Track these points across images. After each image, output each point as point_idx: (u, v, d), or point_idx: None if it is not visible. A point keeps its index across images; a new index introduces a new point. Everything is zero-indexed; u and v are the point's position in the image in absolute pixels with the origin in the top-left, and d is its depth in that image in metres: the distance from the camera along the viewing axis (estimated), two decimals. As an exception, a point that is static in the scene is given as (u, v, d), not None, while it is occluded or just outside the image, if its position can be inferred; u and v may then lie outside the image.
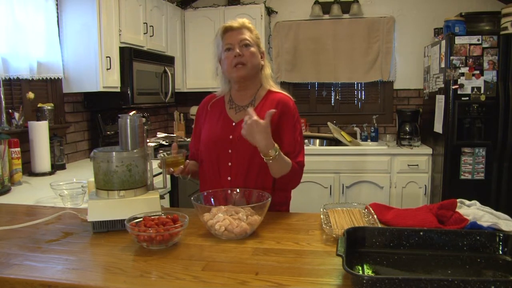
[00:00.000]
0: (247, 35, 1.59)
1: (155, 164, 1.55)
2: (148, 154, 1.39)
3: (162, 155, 1.50)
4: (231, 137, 1.59)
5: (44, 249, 1.18)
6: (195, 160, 1.74)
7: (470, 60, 3.15)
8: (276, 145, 1.42)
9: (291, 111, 1.62)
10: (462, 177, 3.26)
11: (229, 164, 1.59)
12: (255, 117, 1.37)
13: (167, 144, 3.46)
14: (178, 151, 1.54)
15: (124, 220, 1.21)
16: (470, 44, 3.14)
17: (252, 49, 1.59)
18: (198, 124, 1.76)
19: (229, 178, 1.59)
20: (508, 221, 1.28)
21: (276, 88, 1.68)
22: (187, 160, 1.60)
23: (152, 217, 1.25)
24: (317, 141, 4.14)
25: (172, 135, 3.93)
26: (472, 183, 3.25)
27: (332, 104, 4.35)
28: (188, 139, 4.03)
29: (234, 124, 1.62)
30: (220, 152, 1.60)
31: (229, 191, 1.46)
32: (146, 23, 3.26)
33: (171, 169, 1.51)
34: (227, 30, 1.60)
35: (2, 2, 2.28)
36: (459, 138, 3.23)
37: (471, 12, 3.48)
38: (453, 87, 3.19)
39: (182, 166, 1.52)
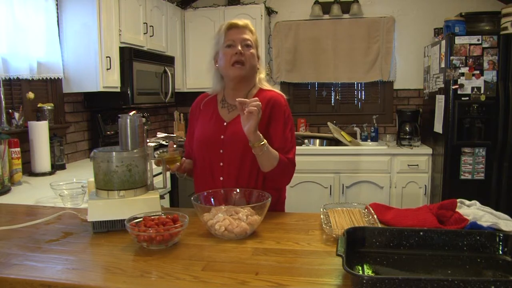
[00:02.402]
0: (249, 36, 1.60)
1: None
2: (148, 154, 1.39)
3: (158, 153, 1.51)
4: (222, 137, 1.59)
5: (44, 249, 1.18)
6: (191, 158, 1.74)
7: (470, 60, 3.15)
8: (262, 136, 1.44)
9: (282, 107, 1.62)
10: (462, 177, 3.26)
11: (221, 164, 1.59)
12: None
13: (167, 144, 3.46)
14: (175, 149, 1.55)
15: (124, 220, 1.21)
16: (470, 44, 3.14)
17: (252, 50, 1.59)
18: (191, 123, 1.76)
19: (221, 178, 1.59)
20: (508, 221, 1.28)
21: (268, 86, 1.69)
22: (183, 158, 1.60)
23: (152, 217, 1.24)
24: (317, 141, 4.14)
25: (172, 135, 3.93)
26: (472, 183, 3.25)
27: (332, 104, 4.35)
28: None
29: (225, 123, 1.62)
30: (212, 152, 1.60)
31: (223, 192, 1.47)
32: (146, 23, 3.26)
33: (167, 166, 1.52)
34: (231, 27, 1.59)
35: (2, 2, 2.28)
36: (459, 138, 3.23)
37: (471, 12, 3.48)
38: (453, 87, 3.19)
39: (178, 163, 1.53)
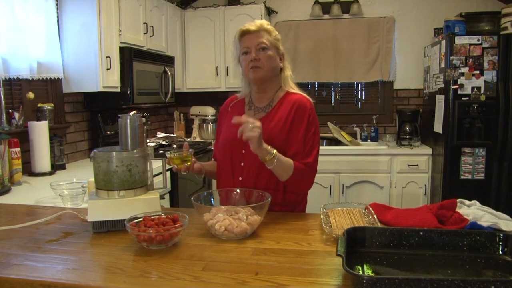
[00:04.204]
0: (264, 38, 1.58)
1: (155, 164, 1.55)
2: (148, 154, 1.39)
3: (169, 153, 1.52)
4: None
5: (44, 249, 1.18)
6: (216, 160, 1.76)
7: (470, 60, 3.15)
8: (270, 147, 1.43)
9: (307, 111, 1.62)
10: (462, 177, 3.26)
11: (242, 164, 1.60)
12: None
13: (167, 144, 3.46)
14: (188, 150, 1.56)
15: (124, 220, 1.21)
16: (470, 44, 3.14)
17: (269, 52, 1.58)
18: (219, 125, 1.79)
19: (240, 178, 1.60)
20: (508, 221, 1.28)
21: (295, 90, 1.68)
22: (194, 159, 1.61)
23: (152, 217, 1.25)
24: (317, 141, 4.14)
25: (172, 135, 3.93)
26: (472, 183, 3.25)
27: (332, 104, 4.35)
28: (188, 139, 4.05)
29: None
30: (234, 152, 1.61)
31: (223, 192, 1.48)
32: (146, 23, 3.26)
33: (176, 166, 1.53)
34: (244, 34, 1.60)
35: (2, 2, 2.28)
36: (459, 138, 3.23)
37: (471, 12, 3.48)
38: (453, 87, 3.19)
39: (187, 164, 1.54)
